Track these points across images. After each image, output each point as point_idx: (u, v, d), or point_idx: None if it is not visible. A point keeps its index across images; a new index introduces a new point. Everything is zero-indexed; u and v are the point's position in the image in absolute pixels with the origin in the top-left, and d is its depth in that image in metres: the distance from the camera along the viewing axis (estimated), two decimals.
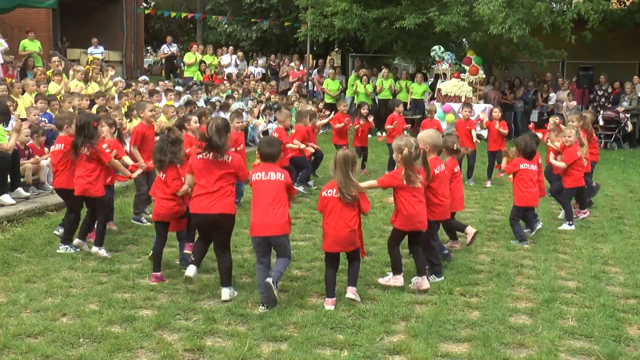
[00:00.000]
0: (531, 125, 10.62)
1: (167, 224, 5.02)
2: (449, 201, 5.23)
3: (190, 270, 4.62)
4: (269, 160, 4.56)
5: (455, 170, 5.72)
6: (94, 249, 5.55)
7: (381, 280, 4.88)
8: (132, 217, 6.77)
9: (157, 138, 6.19)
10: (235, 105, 12.73)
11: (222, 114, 11.60)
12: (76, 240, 5.65)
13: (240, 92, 14.70)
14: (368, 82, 16.39)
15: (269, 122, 14.20)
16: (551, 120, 8.37)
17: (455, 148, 5.72)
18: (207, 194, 4.48)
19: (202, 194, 4.51)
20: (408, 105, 16.41)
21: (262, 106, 14.09)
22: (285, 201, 4.45)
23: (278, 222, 4.38)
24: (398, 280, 4.82)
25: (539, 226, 6.50)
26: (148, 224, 6.60)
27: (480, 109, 14.07)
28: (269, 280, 4.31)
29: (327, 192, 4.46)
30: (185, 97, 12.05)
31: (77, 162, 5.50)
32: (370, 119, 10.39)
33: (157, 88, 13.30)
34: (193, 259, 4.71)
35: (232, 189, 4.55)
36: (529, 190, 6.34)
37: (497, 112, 9.75)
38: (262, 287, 4.35)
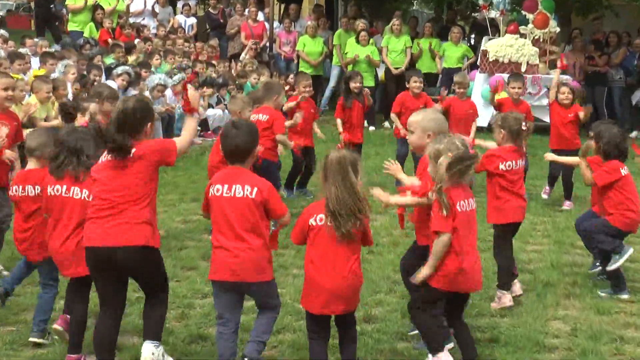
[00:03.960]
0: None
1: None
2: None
3: None
4: (236, 162, 4.73)
5: (515, 163, 6.23)
6: None
7: None
8: None
9: (28, 131, 6.30)
10: (154, 79, 12.70)
11: (132, 93, 11.57)
12: None
13: (161, 57, 14.68)
14: (369, 42, 16.49)
15: (210, 106, 14.14)
16: None
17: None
18: (105, 218, 4.58)
19: (97, 217, 4.61)
20: (439, 78, 16.51)
21: (206, 90, 14.13)
22: (261, 229, 4.65)
23: (250, 264, 4.60)
24: None
25: (626, 255, 6.58)
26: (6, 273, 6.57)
27: (549, 83, 14.03)
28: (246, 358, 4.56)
29: (315, 220, 4.55)
30: (63, 63, 11.89)
31: None
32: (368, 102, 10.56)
33: (22, 50, 13.16)
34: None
35: (153, 209, 4.72)
36: (634, 209, 6.56)
37: (565, 94, 9.76)
38: None
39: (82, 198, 5.01)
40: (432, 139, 5.06)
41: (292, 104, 9.90)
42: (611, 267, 6.56)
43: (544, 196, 10.22)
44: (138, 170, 4.60)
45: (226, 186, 4.66)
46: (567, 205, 9.78)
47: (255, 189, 4.63)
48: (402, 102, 10.34)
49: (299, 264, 7.03)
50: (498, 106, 9.93)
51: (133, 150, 4.59)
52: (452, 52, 16.57)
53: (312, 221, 4.58)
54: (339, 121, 10.34)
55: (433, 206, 4.75)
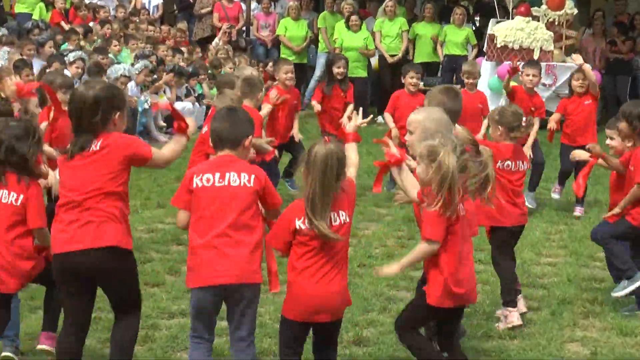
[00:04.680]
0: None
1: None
2: None
3: None
4: (226, 148, 4.72)
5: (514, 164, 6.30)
6: None
7: None
8: None
9: None
10: (118, 70, 12.70)
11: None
12: None
13: (121, 43, 14.67)
14: (360, 28, 16.46)
15: (178, 98, 14.13)
16: None
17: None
18: (69, 219, 4.60)
19: (60, 221, 4.63)
20: (440, 67, 16.63)
21: (170, 77, 14.15)
22: (257, 227, 4.64)
23: (243, 263, 4.58)
24: None
25: (636, 284, 6.59)
26: None
27: (566, 72, 14.10)
28: None
29: (298, 224, 4.55)
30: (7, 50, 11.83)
31: None
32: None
33: None
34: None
35: (124, 206, 4.71)
36: None
37: (579, 80, 9.82)
38: None
39: (10, 202, 5.02)
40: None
41: (273, 93, 9.82)
42: (617, 293, 6.63)
43: (555, 196, 10.18)
44: (104, 164, 4.58)
45: (218, 174, 4.64)
46: (578, 211, 9.81)
47: (253, 176, 4.65)
48: (396, 101, 10.37)
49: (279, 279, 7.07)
50: (511, 94, 9.95)
51: (99, 142, 4.59)
52: (454, 37, 16.61)
53: (299, 224, 4.55)
54: (315, 104, 10.41)
55: (425, 211, 4.77)
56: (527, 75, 10.02)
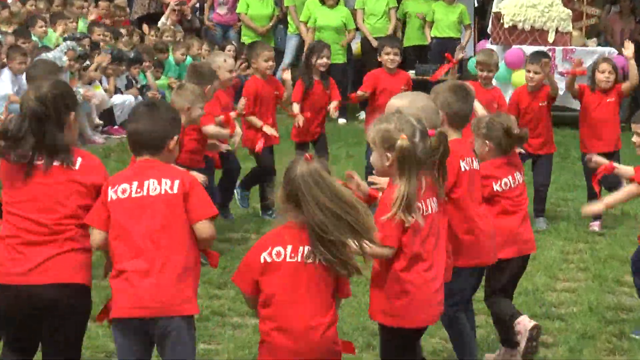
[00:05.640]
0: None
1: None
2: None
3: None
4: (144, 153, 4.75)
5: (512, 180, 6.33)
6: None
7: None
8: None
9: None
10: (51, 57, 12.57)
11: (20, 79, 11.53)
12: None
13: (47, 23, 14.59)
14: (337, 3, 16.58)
15: (117, 90, 14.08)
16: None
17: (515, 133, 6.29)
18: (19, 245, 4.67)
19: (7, 245, 4.69)
20: (428, 51, 16.81)
21: (105, 57, 14.11)
22: (185, 240, 4.61)
23: (172, 291, 4.54)
24: None
25: None
26: None
27: (588, 58, 13.89)
28: None
29: (274, 255, 4.46)
30: None
31: None
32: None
33: None
34: None
35: (85, 233, 4.74)
36: None
37: (605, 73, 9.88)
38: None
39: None
40: None
41: (241, 103, 9.86)
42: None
43: (595, 229, 10.00)
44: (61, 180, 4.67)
45: (135, 183, 4.64)
46: (595, 225, 9.87)
47: (177, 181, 4.64)
48: (375, 81, 10.44)
49: (240, 309, 7.01)
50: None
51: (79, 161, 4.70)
52: (444, 15, 16.76)
53: (266, 255, 4.46)
54: (295, 106, 10.41)
55: (382, 210, 4.83)
56: (528, 71, 10.09)
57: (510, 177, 6.35)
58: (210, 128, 8.63)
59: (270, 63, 10.17)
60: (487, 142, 6.34)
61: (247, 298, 4.63)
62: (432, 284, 4.92)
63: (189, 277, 4.63)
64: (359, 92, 10.72)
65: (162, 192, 4.61)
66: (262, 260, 4.44)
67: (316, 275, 4.43)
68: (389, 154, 4.81)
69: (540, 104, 9.90)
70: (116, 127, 13.91)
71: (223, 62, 9.63)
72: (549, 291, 7.85)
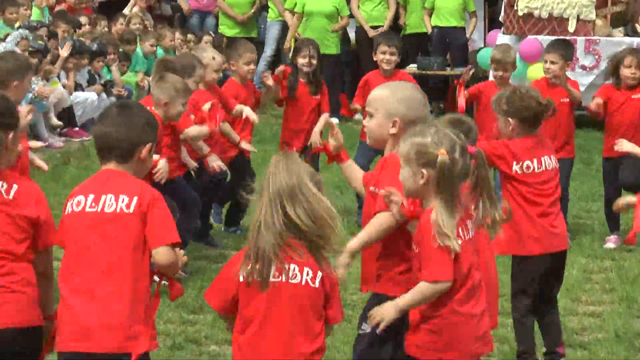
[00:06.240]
0: None
1: None
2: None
3: None
4: (109, 160, 4.78)
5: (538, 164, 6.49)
6: None
7: None
8: None
9: None
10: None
11: None
12: None
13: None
14: None
15: (79, 87, 14.05)
16: None
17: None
18: None
19: None
20: (430, 42, 16.94)
21: (65, 49, 14.11)
22: (140, 271, 4.63)
23: (116, 323, 4.50)
24: None
25: None
26: None
27: (613, 50, 13.74)
28: None
29: (248, 273, 4.47)
30: None
31: None
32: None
33: None
34: None
35: (26, 268, 4.75)
36: None
37: (631, 67, 9.88)
38: None
39: None
40: (400, 129, 5.17)
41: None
42: None
43: (610, 245, 10.08)
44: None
45: (92, 197, 4.66)
46: (612, 240, 9.90)
47: (135, 199, 4.61)
48: (368, 88, 10.29)
49: (217, 337, 6.94)
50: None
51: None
52: (446, 1, 16.82)
53: (246, 274, 4.46)
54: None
55: (421, 241, 4.81)
56: (545, 62, 10.11)
57: (534, 160, 6.43)
58: (191, 130, 8.60)
59: (252, 67, 10.25)
60: (509, 119, 6.45)
61: (221, 317, 4.71)
62: (479, 316, 4.94)
63: (139, 310, 4.58)
64: (352, 106, 10.78)
65: (118, 210, 4.60)
66: (240, 279, 4.47)
67: (300, 295, 4.46)
68: (424, 171, 4.81)
69: (561, 100, 9.80)
70: (77, 128, 13.92)
71: (212, 59, 9.60)
72: (570, 315, 7.88)
